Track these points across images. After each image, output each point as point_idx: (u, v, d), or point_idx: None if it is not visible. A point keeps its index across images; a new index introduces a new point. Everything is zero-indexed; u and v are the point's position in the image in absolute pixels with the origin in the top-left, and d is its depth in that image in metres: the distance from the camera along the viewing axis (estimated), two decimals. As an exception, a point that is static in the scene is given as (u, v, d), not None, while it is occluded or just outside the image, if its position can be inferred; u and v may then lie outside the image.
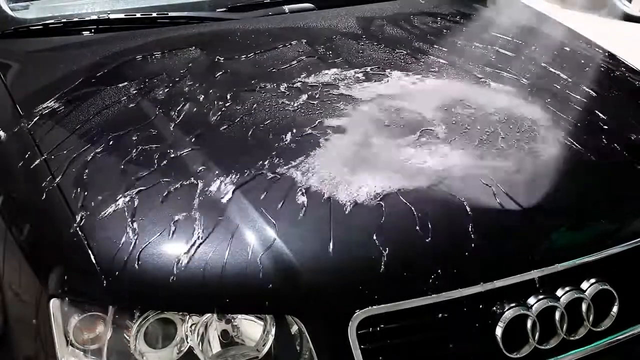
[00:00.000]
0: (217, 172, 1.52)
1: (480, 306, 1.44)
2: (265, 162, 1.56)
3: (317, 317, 1.36)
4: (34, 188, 1.53)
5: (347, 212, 1.44)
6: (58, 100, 1.79)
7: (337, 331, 1.35)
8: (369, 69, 1.96)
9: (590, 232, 1.58)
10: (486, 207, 1.52)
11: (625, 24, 6.21)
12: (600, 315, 1.53)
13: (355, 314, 1.34)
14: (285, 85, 1.85)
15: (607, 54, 2.32)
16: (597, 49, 2.36)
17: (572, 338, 1.50)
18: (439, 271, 1.42)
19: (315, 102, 1.78)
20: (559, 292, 1.49)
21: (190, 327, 1.36)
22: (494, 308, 1.44)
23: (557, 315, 1.47)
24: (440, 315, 1.41)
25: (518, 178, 1.58)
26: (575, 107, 1.89)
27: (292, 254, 1.36)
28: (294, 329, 1.37)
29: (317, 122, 1.69)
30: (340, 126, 1.69)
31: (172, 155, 1.57)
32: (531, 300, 1.46)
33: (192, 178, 1.50)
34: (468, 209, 1.49)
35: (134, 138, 1.63)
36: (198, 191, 1.47)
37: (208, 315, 1.36)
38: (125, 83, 1.86)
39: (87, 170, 1.53)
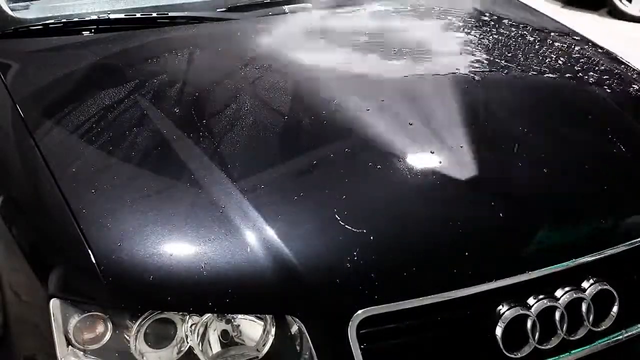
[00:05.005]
0: (217, 172, 1.52)
1: (480, 306, 1.44)
2: (266, 162, 1.57)
3: (317, 317, 1.36)
4: (34, 188, 1.53)
5: (347, 212, 1.44)
6: (58, 100, 1.79)
7: (337, 331, 1.35)
8: None
9: (590, 232, 1.58)
10: (486, 207, 1.52)
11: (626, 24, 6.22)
12: (600, 315, 1.53)
13: (356, 314, 1.34)
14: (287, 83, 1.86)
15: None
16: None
17: (572, 338, 1.50)
18: (439, 271, 1.42)
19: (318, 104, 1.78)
20: (559, 292, 1.49)
21: (190, 327, 1.36)
22: (494, 308, 1.44)
23: (557, 315, 1.47)
24: (440, 315, 1.41)
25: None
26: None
27: (292, 254, 1.36)
28: (294, 329, 1.37)
29: (320, 124, 1.69)
30: (350, 129, 1.69)
31: (173, 155, 1.57)
32: (531, 300, 1.46)
33: (193, 178, 1.50)
34: (468, 209, 1.49)
35: (134, 138, 1.63)
36: (198, 191, 1.47)
37: (208, 315, 1.35)
38: (126, 83, 1.86)
39: (87, 170, 1.53)
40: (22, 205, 1.56)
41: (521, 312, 1.44)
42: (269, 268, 1.35)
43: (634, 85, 2.11)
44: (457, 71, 1.98)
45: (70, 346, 1.36)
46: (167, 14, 2.17)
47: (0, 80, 1.85)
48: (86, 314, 1.35)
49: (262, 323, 1.37)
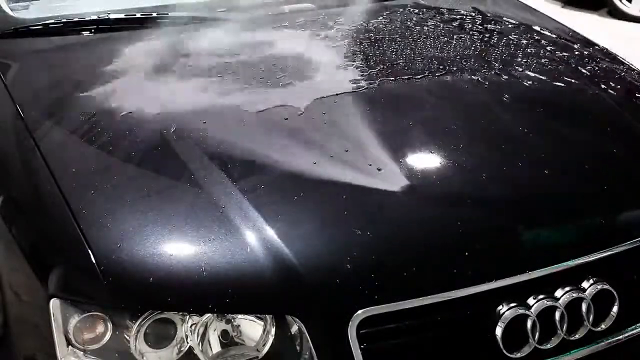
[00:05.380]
0: (217, 172, 1.52)
1: (480, 306, 1.44)
2: (266, 162, 1.56)
3: (317, 317, 1.36)
4: (34, 188, 1.53)
5: (347, 212, 1.44)
6: (58, 100, 1.79)
7: (337, 331, 1.35)
8: None
9: (590, 232, 1.58)
10: (486, 206, 1.52)
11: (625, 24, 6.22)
12: (600, 315, 1.53)
13: (356, 314, 1.34)
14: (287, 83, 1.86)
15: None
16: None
17: (572, 338, 1.50)
18: (439, 271, 1.42)
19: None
20: (559, 292, 1.49)
21: (190, 327, 1.36)
22: (494, 308, 1.44)
23: (557, 315, 1.47)
24: (440, 315, 1.41)
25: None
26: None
27: (292, 254, 1.36)
28: (294, 329, 1.37)
29: (320, 126, 1.69)
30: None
31: (173, 155, 1.57)
32: (531, 300, 1.46)
33: (193, 178, 1.50)
34: (468, 209, 1.49)
35: (134, 138, 1.63)
36: (198, 191, 1.47)
37: (208, 315, 1.35)
38: (126, 83, 1.86)
39: (87, 170, 1.53)
40: (22, 205, 1.56)
41: (521, 312, 1.44)
42: (269, 268, 1.35)
43: (634, 85, 2.11)
44: (456, 71, 1.98)
45: (70, 346, 1.36)
46: (167, 14, 2.17)
47: (0, 80, 1.85)
48: (86, 314, 1.35)
49: (262, 323, 1.37)
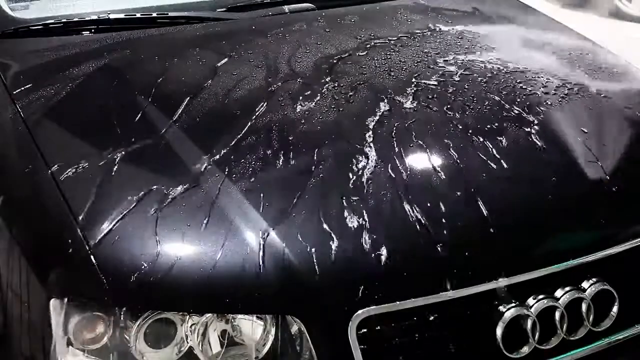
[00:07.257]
0: (217, 172, 1.52)
1: (480, 306, 1.44)
2: (267, 162, 1.56)
3: (317, 317, 1.36)
4: (34, 188, 1.53)
5: (347, 212, 1.44)
6: (58, 101, 1.79)
7: (337, 331, 1.35)
8: None
9: (590, 232, 1.58)
10: (486, 207, 1.52)
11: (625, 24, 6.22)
12: (600, 315, 1.53)
13: (356, 314, 1.35)
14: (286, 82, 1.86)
15: None
16: None
17: (572, 338, 1.50)
18: (439, 271, 1.42)
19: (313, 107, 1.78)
20: (559, 292, 1.49)
21: (190, 327, 1.36)
22: (494, 308, 1.44)
23: (557, 315, 1.47)
24: (440, 315, 1.41)
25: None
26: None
27: (292, 254, 1.36)
28: (294, 329, 1.37)
29: (318, 126, 1.69)
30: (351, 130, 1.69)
31: (173, 155, 1.57)
32: (531, 300, 1.46)
33: (193, 178, 1.50)
34: (468, 208, 1.50)
35: (134, 138, 1.63)
36: (198, 191, 1.47)
37: (208, 315, 1.36)
38: (126, 83, 1.86)
39: (87, 170, 1.53)
40: (22, 205, 1.56)
41: (521, 312, 1.44)
42: (269, 268, 1.35)
43: (633, 85, 2.11)
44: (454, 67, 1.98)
45: (70, 346, 1.36)
46: (167, 14, 2.17)
47: (0, 80, 1.85)
48: (86, 314, 1.35)
49: (262, 323, 1.37)
